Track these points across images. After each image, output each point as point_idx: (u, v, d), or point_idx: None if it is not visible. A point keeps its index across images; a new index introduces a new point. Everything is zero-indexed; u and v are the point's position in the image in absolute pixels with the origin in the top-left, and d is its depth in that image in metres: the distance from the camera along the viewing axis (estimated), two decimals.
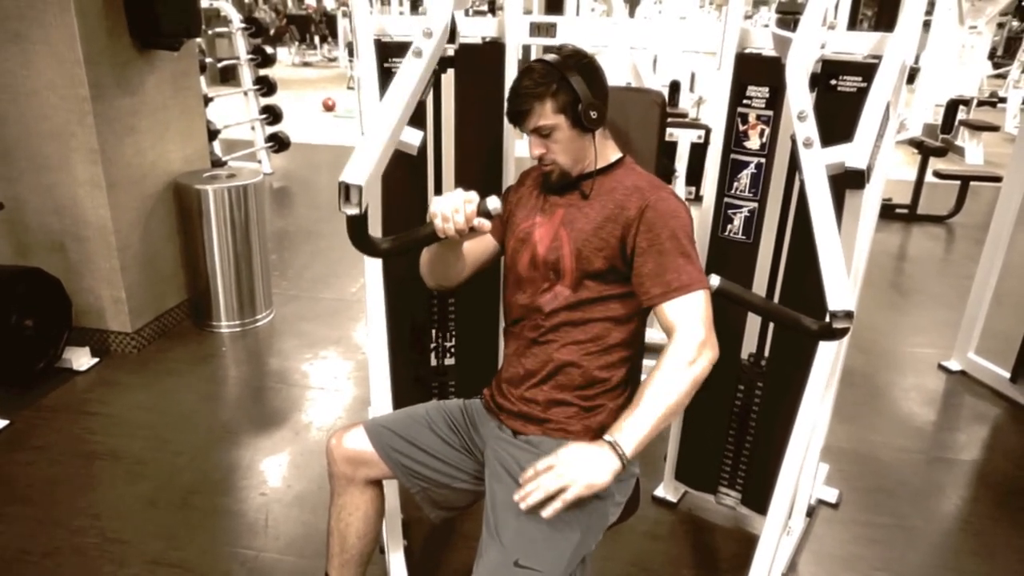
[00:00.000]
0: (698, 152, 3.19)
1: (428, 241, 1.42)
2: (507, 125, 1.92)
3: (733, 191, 1.94)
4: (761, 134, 1.87)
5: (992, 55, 11.05)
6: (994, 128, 7.34)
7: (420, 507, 1.59)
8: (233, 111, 6.39)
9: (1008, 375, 3.05)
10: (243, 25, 6.14)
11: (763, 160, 1.88)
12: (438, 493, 1.57)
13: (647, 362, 1.71)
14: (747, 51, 1.85)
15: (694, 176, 3.27)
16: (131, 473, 2.42)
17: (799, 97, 1.59)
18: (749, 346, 2.07)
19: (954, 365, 3.28)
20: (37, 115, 2.85)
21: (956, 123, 7.50)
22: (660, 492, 2.33)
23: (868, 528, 2.26)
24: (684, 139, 3.22)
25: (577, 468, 1.23)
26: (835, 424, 2.28)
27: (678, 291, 1.37)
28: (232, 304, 3.44)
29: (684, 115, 5.60)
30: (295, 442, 2.62)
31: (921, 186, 5.62)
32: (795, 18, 1.75)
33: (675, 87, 6.06)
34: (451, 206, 1.34)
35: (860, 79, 1.71)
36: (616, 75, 2.87)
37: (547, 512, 1.21)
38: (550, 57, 1.44)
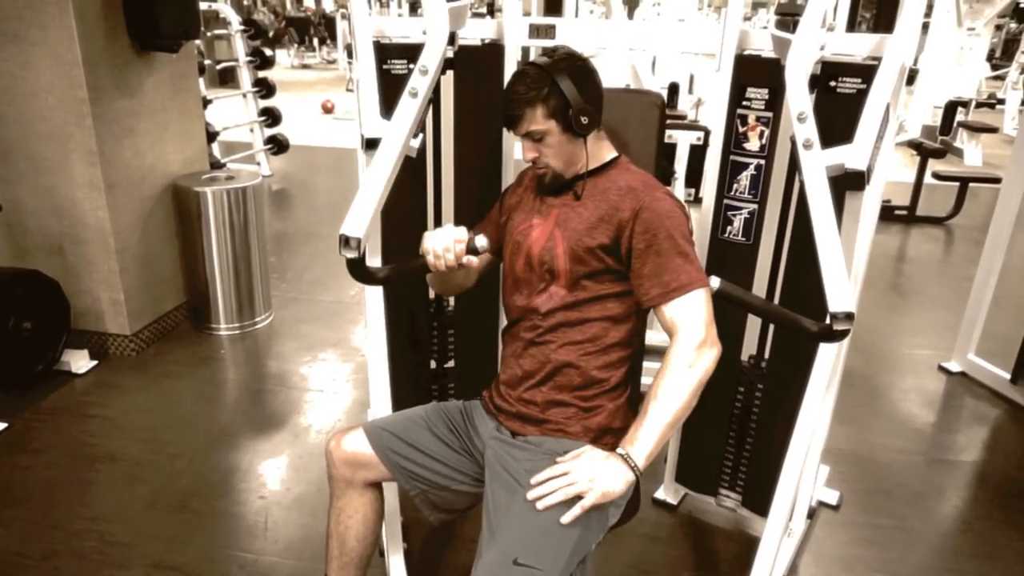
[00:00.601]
0: (697, 154, 3.19)
1: (422, 272, 1.54)
2: None
3: (733, 193, 1.94)
4: (761, 135, 1.87)
5: (990, 57, 11.06)
6: (993, 130, 7.35)
7: (419, 509, 1.59)
8: (232, 113, 6.39)
9: (1008, 376, 3.04)
10: (242, 27, 6.14)
11: (763, 162, 1.88)
12: (437, 495, 1.56)
13: (648, 364, 1.71)
14: (746, 52, 1.85)
15: (693, 178, 3.27)
16: (130, 476, 2.41)
17: (799, 98, 1.59)
18: (749, 348, 2.07)
19: (954, 366, 3.27)
20: (36, 117, 2.84)
21: (955, 125, 7.51)
22: (660, 494, 2.33)
23: (868, 530, 2.26)
24: (683, 141, 3.22)
25: (593, 476, 1.29)
26: (835, 426, 2.27)
27: (677, 291, 1.38)
28: (231, 306, 3.43)
29: (683, 117, 5.60)
30: (294, 445, 2.61)
31: (920, 188, 5.62)
32: (794, 20, 1.75)
33: (674, 89, 6.05)
34: (442, 245, 1.45)
35: (860, 80, 1.71)
36: (615, 77, 2.86)
37: (567, 518, 1.27)
38: (542, 60, 1.44)
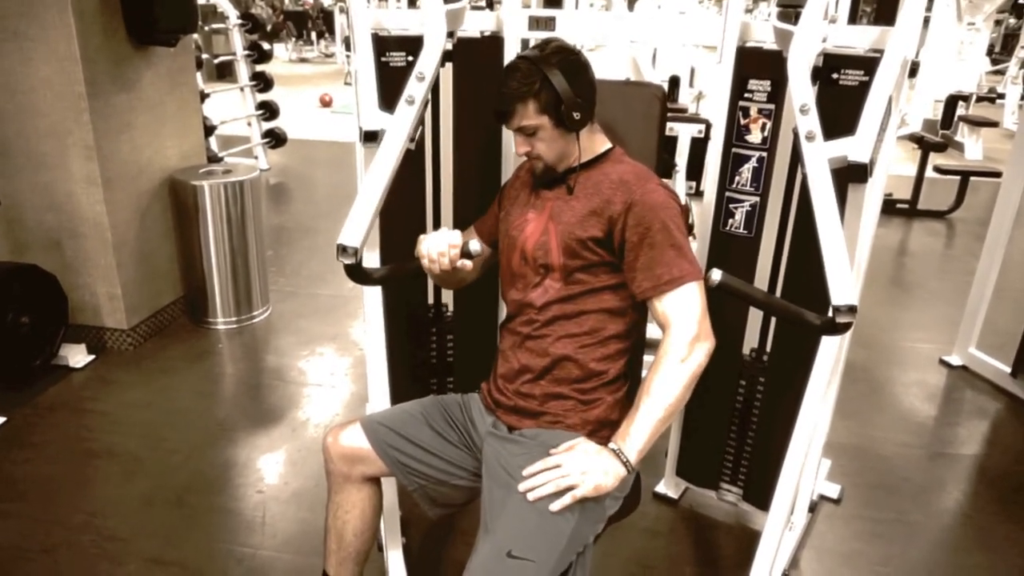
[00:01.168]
0: (698, 147, 3.18)
1: (417, 273, 1.55)
2: None
3: (734, 185, 1.93)
4: (763, 128, 1.85)
5: (990, 52, 11.03)
6: (993, 124, 7.36)
7: (418, 504, 1.58)
8: (230, 107, 6.36)
9: (1009, 370, 3.04)
10: (240, 21, 6.11)
11: (765, 154, 1.87)
12: (436, 490, 1.55)
13: (648, 357, 1.70)
14: (748, 45, 1.84)
15: (695, 171, 3.26)
16: (128, 471, 2.41)
17: (801, 90, 1.57)
18: (751, 341, 2.06)
19: (955, 360, 3.27)
20: (34, 112, 2.83)
21: (955, 119, 7.50)
22: (661, 488, 2.32)
23: (870, 524, 2.25)
24: (684, 134, 3.21)
25: (585, 469, 1.29)
26: (836, 419, 2.27)
27: (669, 284, 1.37)
28: (228, 301, 3.42)
29: (684, 110, 5.58)
30: (292, 439, 2.61)
31: (921, 181, 5.61)
32: (796, 11, 1.73)
33: (675, 82, 6.02)
34: (436, 249, 1.46)
35: (862, 73, 1.70)
36: (616, 69, 2.85)
37: (556, 506, 1.27)
38: (532, 54, 1.42)
